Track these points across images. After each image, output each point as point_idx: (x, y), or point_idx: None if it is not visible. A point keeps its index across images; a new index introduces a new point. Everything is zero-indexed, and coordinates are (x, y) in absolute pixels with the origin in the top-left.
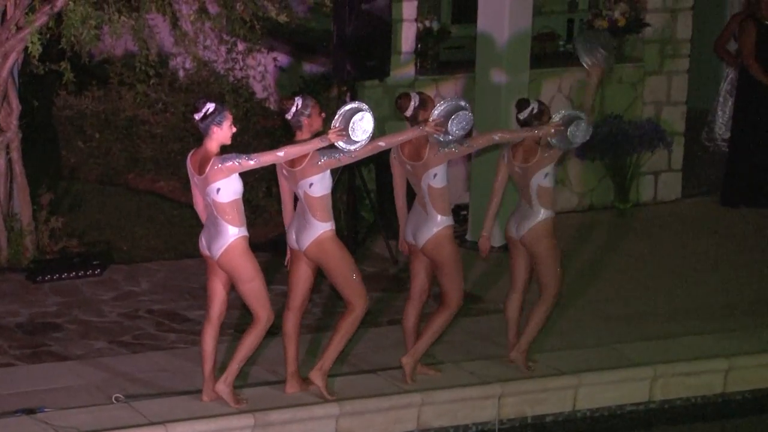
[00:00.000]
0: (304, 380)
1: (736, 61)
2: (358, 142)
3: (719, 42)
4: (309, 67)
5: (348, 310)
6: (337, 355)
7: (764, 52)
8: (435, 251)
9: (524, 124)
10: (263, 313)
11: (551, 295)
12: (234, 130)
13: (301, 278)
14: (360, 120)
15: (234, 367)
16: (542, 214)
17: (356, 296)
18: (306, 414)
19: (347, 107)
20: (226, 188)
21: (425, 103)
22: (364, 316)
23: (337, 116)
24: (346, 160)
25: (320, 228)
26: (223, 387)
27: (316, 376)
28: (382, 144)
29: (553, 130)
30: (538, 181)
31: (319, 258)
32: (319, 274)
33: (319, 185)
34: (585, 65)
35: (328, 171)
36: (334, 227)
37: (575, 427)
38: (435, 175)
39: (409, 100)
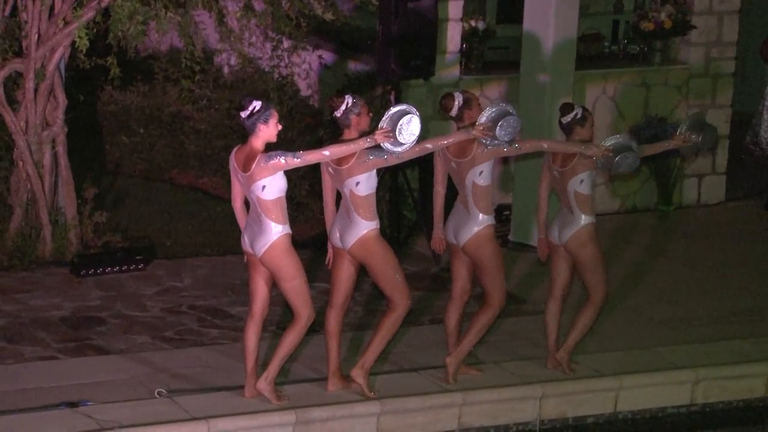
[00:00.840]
0: (346, 378)
1: None
2: (404, 144)
3: (766, 45)
4: (354, 66)
5: (390, 309)
6: (379, 353)
7: None
8: (476, 251)
9: (566, 128)
10: (305, 312)
11: (600, 298)
12: (280, 127)
13: (344, 276)
14: (408, 123)
15: (275, 364)
16: (583, 219)
17: (399, 295)
18: (347, 411)
19: (395, 109)
20: (271, 186)
21: (470, 102)
22: (406, 315)
23: (384, 117)
24: (393, 161)
25: (365, 227)
26: (264, 384)
27: (358, 374)
28: (429, 146)
29: (600, 154)
30: (574, 187)
31: (364, 256)
32: (361, 272)
33: (365, 184)
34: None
35: (374, 170)
36: (378, 226)
37: (616, 428)
38: (481, 173)
39: (453, 100)
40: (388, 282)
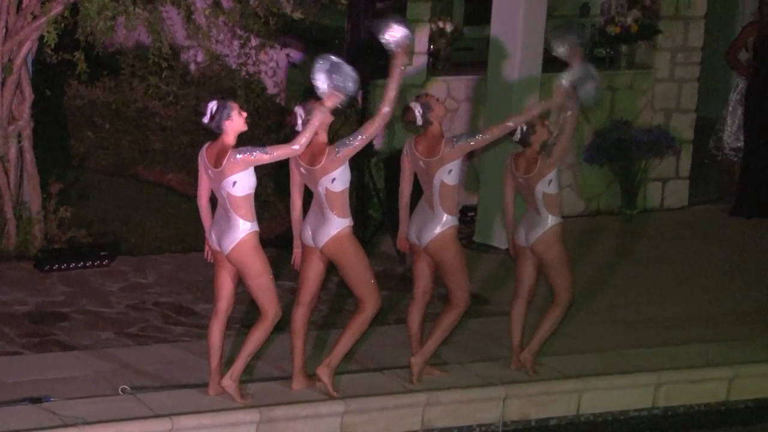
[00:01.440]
0: (311, 377)
1: (747, 70)
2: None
3: (731, 51)
4: None
5: (360, 308)
6: (345, 352)
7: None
8: (439, 251)
9: (521, 143)
10: (271, 309)
11: (566, 299)
12: (245, 115)
13: (313, 275)
14: (333, 70)
15: (240, 362)
16: (551, 220)
17: (369, 295)
18: (311, 411)
19: (317, 70)
20: (241, 182)
21: (429, 105)
22: (374, 316)
23: (316, 79)
24: (361, 144)
25: (339, 224)
26: (229, 382)
27: (323, 373)
28: (510, 124)
29: (561, 101)
30: (543, 189)
31: (336, 254)
32: (328, 271)
33: (340, 180)
34: (560, 55)
35: (347, 164)
36: (352, 224)
37: (579, 431)
38: (450, 171)
39: (413, 111)
40: (360, 281)
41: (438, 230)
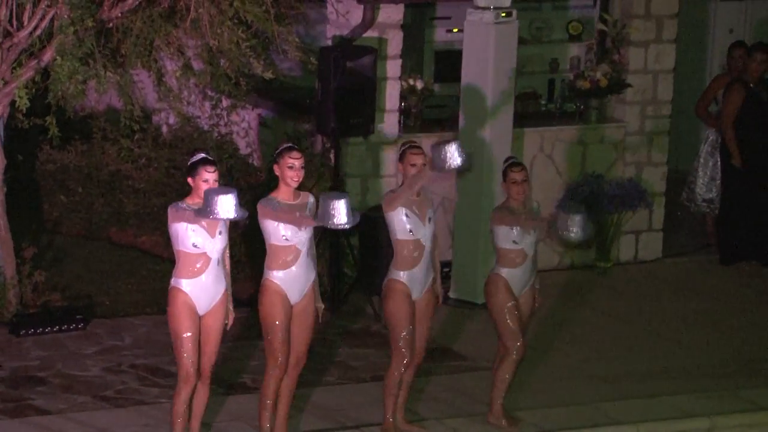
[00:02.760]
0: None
1: (717, 122)
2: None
3: (700, 103)
4: (294, 124)
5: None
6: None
7: (750, 116)
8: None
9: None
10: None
11: (511, 350)
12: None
13: None
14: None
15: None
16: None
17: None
18: None
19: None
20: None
21: (404, 152)
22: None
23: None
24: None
25: None
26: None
27: None
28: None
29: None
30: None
31: None
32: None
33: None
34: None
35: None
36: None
37: None
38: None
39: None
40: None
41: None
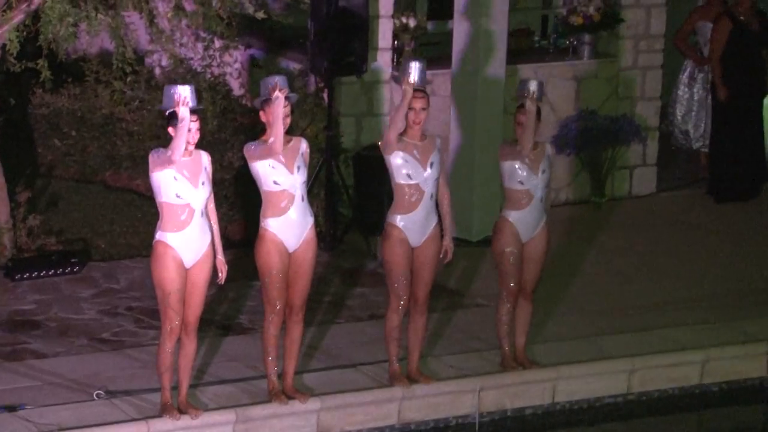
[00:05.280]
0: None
1: (695, 54)
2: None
3: (680, 34)
4: (286, 64)
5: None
6: None
7: (738, 49)
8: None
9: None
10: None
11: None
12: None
13: None
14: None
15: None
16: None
17: None
18: (286, 409)
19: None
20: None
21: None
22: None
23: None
24: None
25: None
26: None
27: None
28: None
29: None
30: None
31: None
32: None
33: None
34: None
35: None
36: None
37: (554, 419)
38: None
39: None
40: None
41: None
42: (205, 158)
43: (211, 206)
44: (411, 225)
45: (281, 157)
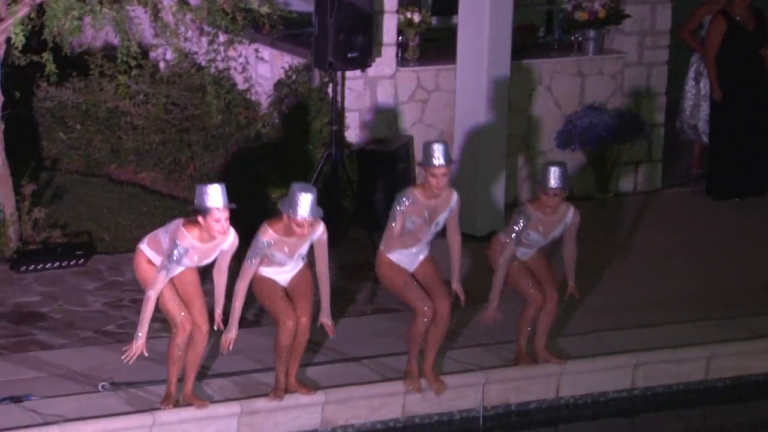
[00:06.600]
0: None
1: (701, 48)
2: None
3: (686, 29)
4: (291, 58)
5: None
6: None
7: (733, 48)
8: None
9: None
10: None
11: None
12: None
13: None
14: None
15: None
16: None
17: None
18: (291, 402)
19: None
20: None
21: None
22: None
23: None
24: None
25: None
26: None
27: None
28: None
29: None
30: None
31: None
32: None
33: None
34: None
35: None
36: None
37: (558, 414)
38: None
39: None
40: None
41: None
42: (226, 244)
43: (224, 267)
44: (403, 258)
45: (286, 248)
